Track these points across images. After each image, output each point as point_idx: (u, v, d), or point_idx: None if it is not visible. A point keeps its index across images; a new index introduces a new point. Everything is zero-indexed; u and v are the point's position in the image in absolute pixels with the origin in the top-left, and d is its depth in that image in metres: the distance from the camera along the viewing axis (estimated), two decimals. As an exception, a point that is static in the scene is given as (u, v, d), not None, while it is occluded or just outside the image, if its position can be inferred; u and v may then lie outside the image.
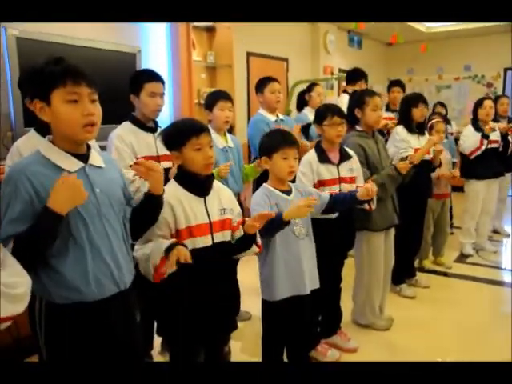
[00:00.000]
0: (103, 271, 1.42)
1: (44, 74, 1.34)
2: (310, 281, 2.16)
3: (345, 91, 4.23)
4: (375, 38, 8.09)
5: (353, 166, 2.58)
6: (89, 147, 1.47)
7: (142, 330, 1.62)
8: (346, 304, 2.89)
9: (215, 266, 1.80)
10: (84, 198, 1.34)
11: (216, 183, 1.91)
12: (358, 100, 2.79)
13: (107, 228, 1.44)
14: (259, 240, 1.91)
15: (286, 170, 2.07)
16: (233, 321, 1.96)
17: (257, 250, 1.91)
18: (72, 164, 1.40)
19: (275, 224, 1.96)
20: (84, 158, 1.43)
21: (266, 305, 2.14)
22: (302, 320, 2.17)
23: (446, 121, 4.58)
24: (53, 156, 1.38)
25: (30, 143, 1.97)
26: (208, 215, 1.79)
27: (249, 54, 5.35)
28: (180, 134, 1.77)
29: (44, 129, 1.97)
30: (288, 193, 2.15)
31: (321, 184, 2.48)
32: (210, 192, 1.83)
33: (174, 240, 1.67)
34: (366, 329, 2.96)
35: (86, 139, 1.40)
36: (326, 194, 2.32)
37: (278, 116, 3.33)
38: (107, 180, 1.48)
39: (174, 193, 1.77)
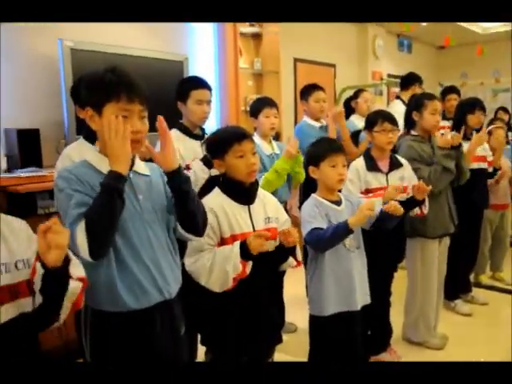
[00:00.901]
0: (147, 279, 1.40)
1: (101, 84, 1.35)
2: (361, 296, 2.07)
3: (398, 97, 4.10)
4: (426, 41, 7.85)
5: (404, 175, 2.48)
6: (134, 155, 1.46)
7: (186, 342, 1.59)
8: (395, 319, 2.76)
9: (259, 276, 1.76)
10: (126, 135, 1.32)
11: (261, 191, 1.88)
12: (417, 103, 2.70)
13: (150, 235, 1.43)
14: (299, 254, 1.85)
15: (335, 178, 2.00)
16: (277, 334, 1.91)
17: (294, 263, 1.85)
18: None
19: (340, 233, 1.90)
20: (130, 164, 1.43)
21: (314, 321, 2.06)
22: (352, 337, 2.08)
23: (508, 127, 4.34)
24: (98, 163, 1.39)
25: (79, 150, 2.01)
26: (252, 224, 1.77)
27: (296, 60, 5.31)
28: (222, 142, 1.76)
29: (92, 137, 2.02)
30: (338, 203, 2.07)
31: (368, 192, 2.39)
32: (255, 200, 1.80)
33: (237, 242, 1.67)
34: (418, 346, 2.81)
35: (132, 153, 1.39)
36: (378, 207, 2.22)
37: (322, 123, 3.28)
38: (151, 187, 1.47)
39: (217, 201, 1.75)
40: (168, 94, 2.45)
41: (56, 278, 1.13)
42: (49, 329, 1.20)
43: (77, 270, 1.19)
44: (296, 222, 2.15)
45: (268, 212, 1.83)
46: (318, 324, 2.05)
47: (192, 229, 1.54)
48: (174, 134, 2.40)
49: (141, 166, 1.48)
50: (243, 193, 1.79)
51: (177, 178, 1.43)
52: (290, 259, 1.84)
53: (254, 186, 1.83)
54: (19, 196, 2.44)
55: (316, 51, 5.53)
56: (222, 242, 1.73)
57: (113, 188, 1.28)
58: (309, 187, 3.01)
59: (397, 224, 2.41)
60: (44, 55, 2.91)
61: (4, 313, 1.10)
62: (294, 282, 2.14)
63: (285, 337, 1.98)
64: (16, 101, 2.83)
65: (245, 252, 1.66)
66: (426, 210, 2.38)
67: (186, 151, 2.31)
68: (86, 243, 1.27)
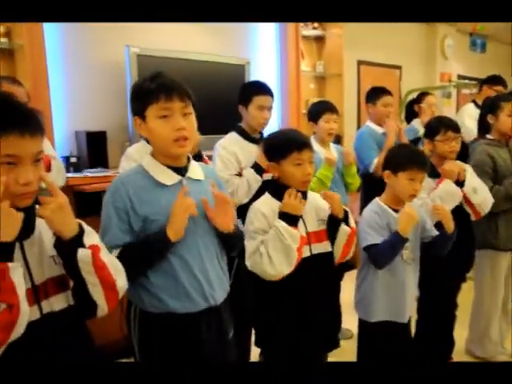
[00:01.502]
0: (193, 286, 1.41)
1: (141, 91, 1.38)
2: (409, 309, 1.99)
3: (474, 101, 3.88)
4: (502, 39, 7.39)
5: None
6: (189, 159, 1.48)
7: (234, 346, 1.58)
8: (457, 331, 2.59)
9: (314, 278, 1.73)
10: (193, 211, 1.37)
11: (312, 194, 1.85)
12: (492, 105, 2.55)
13: (199, 243, 1.43)
14: (352, 221, 1.81)
15: (409, 192, 1.91)
16: (334, 338, 1.87)
17: (348, 231, 1.79)
18: (169, 178, 1.41)
19: (396, 245, 1.84)
20: (183, 170, 1.44)
21: (362, 324, 2.02)
22: (399, 348, 1.98)
23: None
24: (152, 169, 1.42)
25: (141, 151, 2.08)
26: (305, 226, 1.74)
27: (359, 63, 5.19)
28: (282, 147, 1.73)
29: None
30: None
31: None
32: (306, 204, 1.77)
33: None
34: (482, 361, 2.64)
35: (179, 153, 1.40)
36: (435, 231, 2.07)
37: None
38: (204, 193, 1.46)
39: (268, 206, 1.74)
40: (229, 97, 2.47)
41: (72, 249, 1.10)
42: (94, 318, 1.20)
43: (90, 238, 1.17)
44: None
45: (320, 214, 1.81)
46: (364, 328, 2.01)
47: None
48: (232, 136, 2.43)
49: (195, 172, 1.48)
50: None
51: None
52: (345, 228, 1.78)
53: (305, 190, 1.80)
54: (85, 195, 2.56)
55: (380, 53, 5.37)
56: None
57: (157, 250, 1.35)
58: (371, 191, 2.93)
59: (466, 233, 2.28)
60: (112, 61, 3.04)
61: (56, 302, 1.14)
62: (351, 288, 2.08)
63: (341, 342, 1.93)
64: (86, 105, 2.97)
65: (287, 218, 1.65)
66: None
67: (243, 154, 2.32)
68: None
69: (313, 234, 1.75)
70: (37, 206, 1.14)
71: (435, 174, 2.30)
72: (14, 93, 2.07)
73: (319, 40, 4.54)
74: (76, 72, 2.93)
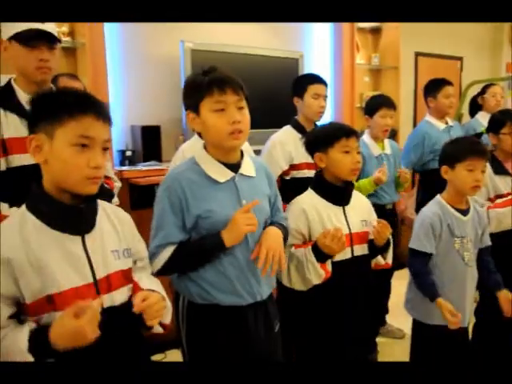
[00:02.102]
0: (241, 281, 1.41)
1: (194, 85, 1.38)
2: (469, 312, 1.91)
3: None
4: None
5: None
6: (242, 155, 1.47)
7: (280, 339, 1.58)
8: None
9: (356, 280, 1.70)
10: (254, 230, 1.37)
11: (356, 193, 1.80)
12: None
13: (248, 238, 1.42)
14: (390, 255, 1.77)
15: (470, 183, 1.81)
16: (370, 341, 1.85)
17: (382, 263, 1.76)
18: (222, 174, 1.41)
19: (425, 294, 1.83)
20: (236, 167, 1.43)
21: (417, 326, 1.93)
22: (457, 354, 1.90)
23: None
24: (205, 165, 1.42)
25: (193, 147, 2.09)
26: (348, 226, 1.69)
27: (417, 55, 5.00)
28: (329, 135, 1.71)
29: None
30: (465, 212, 1.87)
31: (498, 198, 2.16)
32: (350, 201, 1.73)
33: (309, 248, 1.62)
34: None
35: (234, 146, 1.40)
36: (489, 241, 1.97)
37: (447, 123, 3.02)
38: (255, 190, 1.46)
39: (310, 201, 1.70)
40: (283, 91, 2.47)
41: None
42: None
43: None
44: (410, 225, 2.03)
45: (364, 215, 1.76)
46: (420, 330, 1.92)
47: None
48: (288, 130, 2.42)
49: (248, 168, 1.47)
50: (339, 193, 1.72)
51: None
52: (379, 261, 1.76)
53: (350, 186, 1.75)
54: (140, 188, 2.63)
55: (440, 44, 5.14)
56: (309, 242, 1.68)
57: (210, 253, 1.37)
58: (427, 186, 2.82)
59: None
60: (167, 57, 3.10)
61: (119, 295, 1.17)
62: (402, 285, 2.01)
63: (391, 341, 1.87)
64: (141, 99, 3.05)
65: (320, 254, 1.60)
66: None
67: (297, 149, 2.29)
68: (161, 265, 1.37)
69: (356, 235, 1.70)
70: (99, 205, 1.19)
71: (503, 171, 2.17)
72: (72, 87, 2.16)
73: (375, 32, 4.41)
74: (133, 67, 3.01)
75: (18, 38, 1.63)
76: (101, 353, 1.09)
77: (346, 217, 1.70)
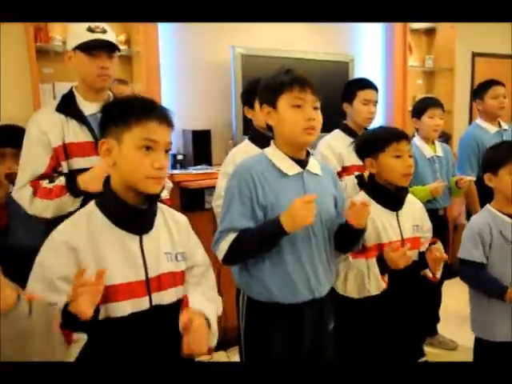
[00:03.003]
0: (300, 278, 1.44)
1: (275, 82, 1.45)
2: None
3: None
4: None
5: None
6: (308, 154, 1.52)
7: (333, 338, 1.59)
8: None
9: (404, 288, 1.67)
10: (310, 222, 1.36)
11: (409, 196, 1.77)
12: None
13: (311, 235, 1.45)
14: (439, 271, 1.72)
15: None
16: (416, 348, 1.81)
17: (429, 275, 1.72)
18: (291, 168, 1.46)
19: (490, 293, 1.76)
20: (303, 163, 1.48)
21: (479, 343, 1.85)
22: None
23: None
24: (275, 159, 1.47)
25: (243, 151, 2.13)
26: (401, 232, 1.67)
27: (474, 55, 4.81)
28: (380, 140, 1.69)
29: (257, 138, 2.12)
30: None
31: None
32: (403, 206, 1.70)
33: (373, 259, 1.60)
34: None
35: (306, 141, 1.45)
36: None
37: (500, 126, 2.90)
38: (320, 188, 1.50)
39: None
40: (333, 94, 2.45)
41: None
42: None
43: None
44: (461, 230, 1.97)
45: (416, 219, 1.73)
46: (483, 348, 1.84)
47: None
48: (337, 134, 2.42)
49: (314, 166, 1.52)
50: (392, 197, 1.70)
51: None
52: (427, 271, 1.73)
53: (403, 190, 1.72)
54: (190, 191, 2.69)
55: (500, 43, 4.91)
56: (364, 249, 1.66)
57: (272, 239, 1.39)
58: (481, 195, 2.71)
59: None
60: (217, 62, 3.16)
61: (168, 296, 1.22)
62: (455, 295, 1.94)
63: (443, 353, 1.81)
64: (192, 104, 3.12)
65: (382, 267, 1.59)
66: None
67: (348, 153, 2.27)
68: (224, 253, 1.41)
69: (408, 240, 1.68)
70: (158, 207, 1.24)
71: None
72: (123, 92, 2.26)
73: (429, 32, 4.29)
74: (184, 73, 3.09)
75: (81, 47, 1.74)
76: (148, 348, 1.17)
77: (398, 222, 1.67)
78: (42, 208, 1.70)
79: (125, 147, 1.14)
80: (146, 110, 1.15)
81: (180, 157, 2.95)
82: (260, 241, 1.40)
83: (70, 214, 1.28)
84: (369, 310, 1.67)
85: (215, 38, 3.15)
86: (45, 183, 1.71)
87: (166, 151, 1.19)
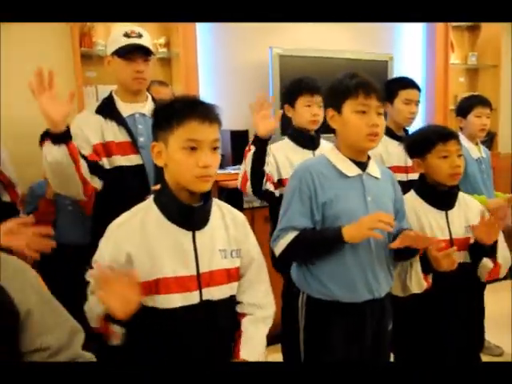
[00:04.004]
0: (360, 278, 1.45)
1: (340, 86, 1.47)
2: None
3: None
4: None
5: None
6: (369, 157, 1.53)
7: (390, 337, 1.58)
8: None
9: (456, 290, 1.63)
10: (371, 235, 1.38)
11: (462, 195, 1.72)
12: None
13: (370, 238, 1.45)
14: (500, 259, 1.62)
15: None
16: (473, 356, 1.75)
17: (490, 266, 1.62)
18: (351, 170, 1.48)
19: None
20: (363, 166, 1.50)
21: None
22: None
23: None
24: (335, 160, 1.50)
25: (282, 148, 2.14)
26: (450, 232, 1.63)
27: (520, 51, 4.63)
28: (425, 140, 1.68)
29: (296, 136, 2.10)
30: None
31: None
32: (455, 205, 1.65)
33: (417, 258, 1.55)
34: None
35: (369, 147, 1.47)
36: None
37: None
38: (380, 190, 1.51)
39: (410, 204, 1.66)
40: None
41: None
42: None
43: None
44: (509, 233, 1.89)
45: (470, 220, 1.66)
46: None
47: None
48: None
49: (374, 169, 1.53)
50: (441, 196, 1.67)
51: None
52: (485, 261, 1.63)
53: (454, 189, 1.69)
54: (228, 190, 2.71)
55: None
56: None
57: (329, 243, 1.43)
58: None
59: None
60: (255, 62, 3.17)
61: (218, 292, 1.24)
62: (500, 300, 1.87)
63: (488, 360, 1.75)
64: (230, 104, 3.13)
65: (426, 265, 1.55)
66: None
67: (388, 154, 2.25)
68: (281, 250, 1.45)
69: (457, 240, 1.63)
70: (213, 203, 1.26)
71: None
72: (161, 93, 2.31)
73: (473, 29, 4.16)
74: (223, 74, 3.13)
75: (117, 52, 1.80)
76: (193, 342, 1.19)
77: (448, 222, 1.63)
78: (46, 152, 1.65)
79: (171, 149, 1.17)
80: (186, 110, 1.17)
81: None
82: (318, 244, 1.44)
83: (116, 209, 1.30)
84: (413, 310, 1.65)
85: (253, 39, 3.16)
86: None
87: (214, 148, 1.19)
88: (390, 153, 2.25)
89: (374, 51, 3.51)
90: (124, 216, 1.25)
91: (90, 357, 0.98)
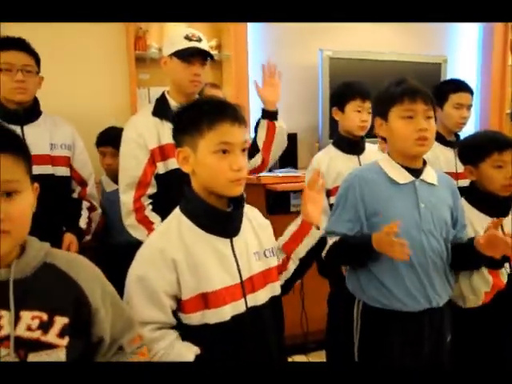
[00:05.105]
0: (416, 286, 1.43)
1: (386, 94, 1.47)
2: None
3: None
4: None
5: None
6: (425, 163, 1.51)
7: (449, 349, 1.55)
8: None
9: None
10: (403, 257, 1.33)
11: None
12: None
13: (425, 244, 1.43)
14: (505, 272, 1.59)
15: None
16: None
17: (490, 280, 1.59)
18: (403, 177, 1.47)
19: None
20: (417, 172, 1.48)
21: None
22: None
23: None
24: (387, 167, 1.49)
25: (326, 156, 2.14)
26: None
27: None
28: (480, 148, 1.63)
29: (340, 143, 2.12)
30: None
31: None
32: (509, 213, 1.61)
33: None
34: None
35: (418, 152, 1.45)
36: None
37: None
38: (435, 198, 1.48)
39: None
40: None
41: None
42: None
43: None
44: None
45: None
46: None
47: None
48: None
49: (429, 175, 1.51)
50: (495, 205, 1.62)
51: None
52: (487, 278, 1.61)
53: (509, 198, 1.64)
54: (276, 193, 2.71)
55: None
56: None
57: (360, 251, 1.43)
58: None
59: None
60: (305, 65, 3.16)
61: (260, 296, 1.22)
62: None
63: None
64: (279, 107, 3.13)
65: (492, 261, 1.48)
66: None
67: (438, 159, 2.17)
68: (325, 251, 1.44)
69: None
70: (246, 208, 1.25)
71: None
72: (213, 95, 2.34)
73: (534, 29, 3.97)
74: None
75: (177, 54, 1.82)
76: (244, 350, 1.18)
77: (503, 230, 1.57)
78: (134, 230, 1.80)
79: (201, 154, 1.14)
80: (217, 112, 1.14)
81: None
82: (354, 250, 1.45)
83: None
84: (473, 321, 1.63)
85: (303, 41, 3.15)
86: (147, 211, 1.81)
87: (243, 150, 1.17)
88: (440, 159, 2.18)
89: (427, 53, 3.42)
90: (158, 234, 1.21)
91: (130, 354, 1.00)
